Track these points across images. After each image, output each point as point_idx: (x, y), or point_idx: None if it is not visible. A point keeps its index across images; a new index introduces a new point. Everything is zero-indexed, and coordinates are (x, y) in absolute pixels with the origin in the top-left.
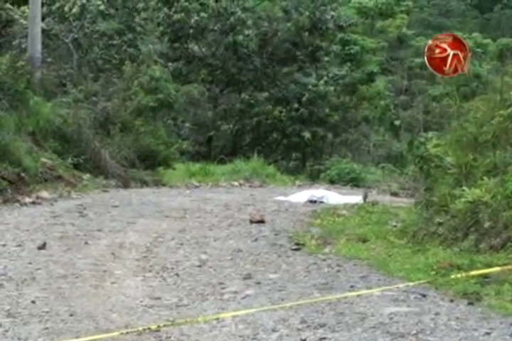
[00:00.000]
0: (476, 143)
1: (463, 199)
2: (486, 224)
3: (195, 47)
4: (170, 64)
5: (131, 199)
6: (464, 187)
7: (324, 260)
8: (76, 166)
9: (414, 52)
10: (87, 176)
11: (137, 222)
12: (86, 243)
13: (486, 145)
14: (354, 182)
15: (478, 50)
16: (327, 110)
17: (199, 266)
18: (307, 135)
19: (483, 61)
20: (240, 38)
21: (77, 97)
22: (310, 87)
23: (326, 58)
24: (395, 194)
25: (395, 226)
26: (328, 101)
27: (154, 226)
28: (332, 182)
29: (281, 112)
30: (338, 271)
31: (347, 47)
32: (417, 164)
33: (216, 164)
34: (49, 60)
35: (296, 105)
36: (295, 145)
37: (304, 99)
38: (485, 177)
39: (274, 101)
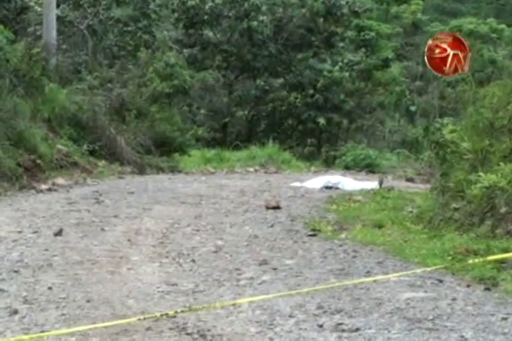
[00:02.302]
0: (491, 128)
1: (479, 185)
2: (503, 210)
3: (210, 34)
4: (185, 50)
5: (147, 186)
6: (480, 173)
7: (340, 246)
8: (91, 153)
9: (429, 37)
10: (102, 163)
11: (153, 208)
12: (102, 229)
13: (502, 130)
14: (369, 168)
15: (493, 35)
16: (342, 96)
17: (215, 252)
18: (322, 121)
19: (498, 46)
20: (255, 24)
21: (92, 84)
22: (325, 72)
23: (341, 44)
24: (410, 179)
25: (411, 211)
26: (343, 87)
27: (170, 212)
28: (347, 168)
29: (296, 98)
30: (355, 257)
31: (362, 33)
32: (433, 150)
33: (231, 150)
34: (64, 46)
35: (311, 91)
36: (310, 131)
37: (319, 85)
38: (501, 163)
39: (289, 88)
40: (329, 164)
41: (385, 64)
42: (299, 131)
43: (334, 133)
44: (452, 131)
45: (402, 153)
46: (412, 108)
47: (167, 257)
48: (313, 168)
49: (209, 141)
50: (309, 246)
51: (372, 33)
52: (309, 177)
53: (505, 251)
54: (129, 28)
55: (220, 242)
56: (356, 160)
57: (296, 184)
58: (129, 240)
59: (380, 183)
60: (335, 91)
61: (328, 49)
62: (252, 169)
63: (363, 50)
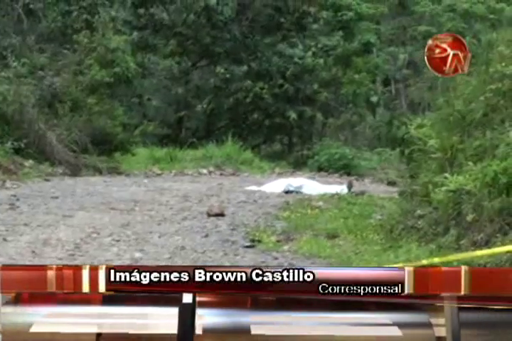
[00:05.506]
0: (463, 122)
1: (444, 188)
2: (469, 217)
3: (163, 14)
4: (135, 33)
5: (76, 189)
6: (446, 174)
7: (276, 258)
8: (17, 151)
9: (418, 18)
10: (29, 163)
11: (75, 215)
12: (4, 239)
13: (474, 125)
14: (346, 169)
15: (492, 16)
16: (316, 86)
17: None
18: (293, 115)
19: (497, 28)
20: (213, 1)
21: (19, 72)
22: (296, 59)
23: (315, 26)
24: (392, 183)
25: (380, 219)
26: (317, 75)
27: (94, 219)
28: (321, 169)
29: (262, 89)
30: None
31: (339, 14)
32: (397, 147)
33: (186, 149)
34: None
35: (280, 81)
36: (279, 127)
37: (289, 73)
38: (470, 163)
39: (254, 76)
40: (300, 165)
41: (366, 49)
42: (266, 126)
43: (307, 129)
44: (420, 126)
45: (383, 153)
46: (373, 99)
47: None
48: (278, 170)
49: (161, 138)
50: (240, 259)
51: (351, 14)
52: (271, 179)
53: (468, 265)
54: (72, 8)
55: (138, 254)
56: (331, 160)
57: (253, 188)
58: (33, 252)
59: (349, 187)
60: (307, 81)
61: (300, 32)
62: (205, 171)
63: (340, 33)
